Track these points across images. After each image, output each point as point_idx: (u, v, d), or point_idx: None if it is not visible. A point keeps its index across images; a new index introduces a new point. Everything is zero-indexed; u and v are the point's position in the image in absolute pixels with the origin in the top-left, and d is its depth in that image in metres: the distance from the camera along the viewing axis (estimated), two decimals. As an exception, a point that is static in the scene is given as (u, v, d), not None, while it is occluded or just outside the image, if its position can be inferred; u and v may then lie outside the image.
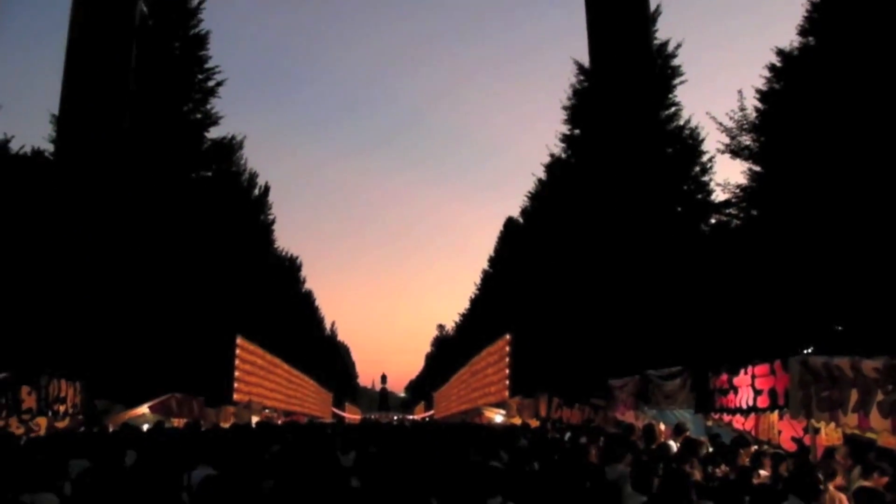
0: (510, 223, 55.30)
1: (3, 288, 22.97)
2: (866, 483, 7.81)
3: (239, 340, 34.20)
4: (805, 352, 13.70)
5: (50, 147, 27.37)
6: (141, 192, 26.67)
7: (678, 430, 13.05)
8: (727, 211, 25.54)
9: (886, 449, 9.16)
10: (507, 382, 35.15)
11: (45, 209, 23.08)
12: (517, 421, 24.31)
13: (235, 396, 32.57)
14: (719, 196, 26.97)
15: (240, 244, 36.42)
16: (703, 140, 29.83)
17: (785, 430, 11.17)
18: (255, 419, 29.30)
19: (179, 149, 31.10)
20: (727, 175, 54.25)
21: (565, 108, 35.25)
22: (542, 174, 39.55)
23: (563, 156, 36.25)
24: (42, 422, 15.08)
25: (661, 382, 14.57)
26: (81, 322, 21.47)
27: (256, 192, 45.91)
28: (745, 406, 10.80)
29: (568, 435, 15.37)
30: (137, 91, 25.59)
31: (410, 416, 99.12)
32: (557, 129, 36.29)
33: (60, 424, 15.67)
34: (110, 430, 14.58)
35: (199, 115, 33.83)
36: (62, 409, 16.09)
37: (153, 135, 28.53)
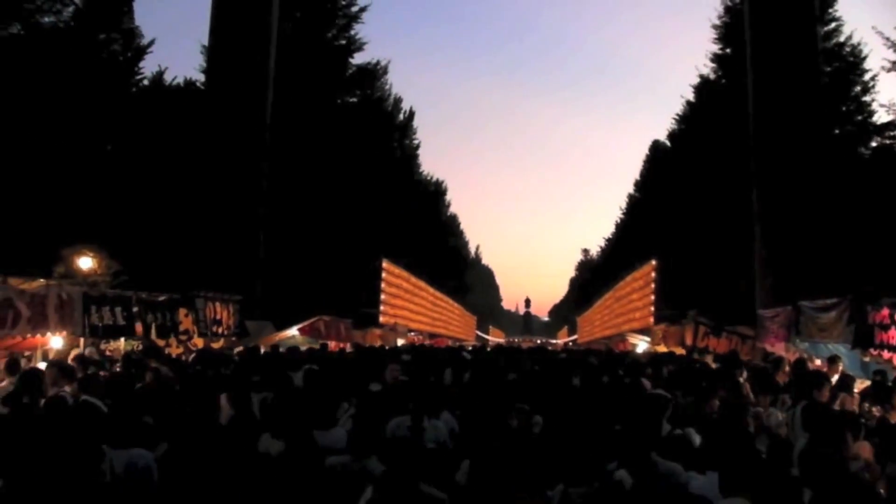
0: (656, 146, 54.14)
1: (161, 214, 23.93)
2: None
3: (385, 264, 34.67)
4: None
5: (201, 77, 28.10)
6: (288, 119, 27.14)
7: (832, 362, 12.54)
8: (891, 133, 24.30)
9: None
10: (652, 309, 34.64)
11: (199, 138, 23.76)
12: (662, 348, 23.96)
13: (382, 319, 33.14)
14: (882, 117, 25.68)
15: (385, 169, 36.83)
16: (865, 57, 28.38)
17: (950, 370, 10.62)
18: (400, 341, 29.85)
19: (325, 75, 31.51)
20: (892, 95, 51.53)
21: (715, 26, 34.07)
22: (690, 95, 38.50)
23: (713, 76, 35.17)
24: (199, 342, 15.74)
25: (815, 314, 14.04)
26: (236, 247, 22.14)
27: (401, 116, 46.21)
28: (908, 343, 10.31)
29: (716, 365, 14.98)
30: (282, 19, 25.88)
31: (553, 341, 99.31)
32: (708, 48, 35.22)
33: (216, 345, 16.28)
34: (261, 351, 15.02)
35: (343, 41, 34.14)
36: (218, 329, 16.75)
37: (299, 62, 28.90)
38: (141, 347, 13.42)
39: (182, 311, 15.11)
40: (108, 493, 5.03)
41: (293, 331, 20.45)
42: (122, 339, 13.72)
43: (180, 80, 29.85)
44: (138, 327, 13.49)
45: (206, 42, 26.35)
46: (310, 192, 28.77)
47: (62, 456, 4.88)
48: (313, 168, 29.03)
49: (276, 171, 25.30)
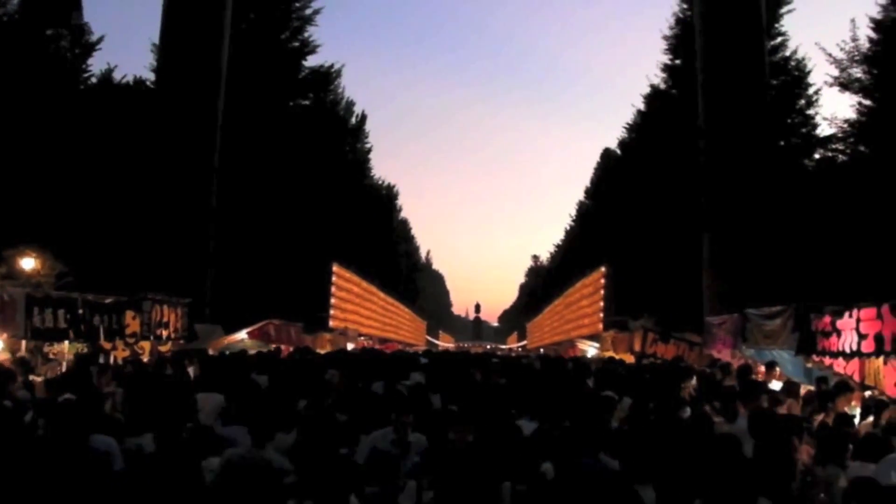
0: (607, 154, 54.62)
1: (109, 215, 23.65)
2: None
3: (335, 268, 34.60)
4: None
5: (152, 76, 27.83)
6: (240, 121, 26.98)
7: (770, 368, 12.83)
8: (833, 146, 24.82)
9: None
10: (602, 315, 34.95)
11: (148, 138, 23.52)
12: (610, 354, 24.19)
13: (332, 323, 33.05)
14: (825, 130, 26.21)
15: (336, 172, 36.74)
16: (809, 72, 28.95)
17: (888, 376, 10.83)
18: (350, 346, 29.78)
19: (277, 77, 31.38)
20: (834, 109, 52.69)
21: (666, 37, 34.52)
22: (641, 105, 38.94)
23: (664, 86, 35.59)
24: (146, 345, 15.58)
25: (760, 321, 14.30)
26: (185, 249, 21.95)
27: (353, 120, 46.13)
28: (848, 350, 10.52)
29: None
30: (235, 19, 25.74)
31: (503, 346, 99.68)
32: (658, 59, 35.65)
33: (163, 348, 16.13)
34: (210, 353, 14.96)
35: (296, 44, 34.03)
36: (165, 332, 16.59)
37: (252, 63, 28.76)
38: (86, 350, 13.27)
39: (129, 314, 14.92)
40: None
41: (242, 334, 20.31)
42: (66, 343, 13.50)
43: (130, 78, 29.53)
44: (83, 329, 13.29)
45: (157, 41, 26.10)
46: (261, 195, 28.62)
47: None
48: (264, 171, 28.89)
49: (226, 173, 25.13)
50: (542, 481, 5.58)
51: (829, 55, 22.43)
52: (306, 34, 34.21)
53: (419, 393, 8.93)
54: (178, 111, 22.82)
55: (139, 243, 22.38)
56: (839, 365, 11.38)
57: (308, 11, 33.99)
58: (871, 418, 9.04)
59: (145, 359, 14.80)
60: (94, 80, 28.28)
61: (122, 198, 24.30)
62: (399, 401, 7.68)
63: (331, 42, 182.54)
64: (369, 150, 50.87)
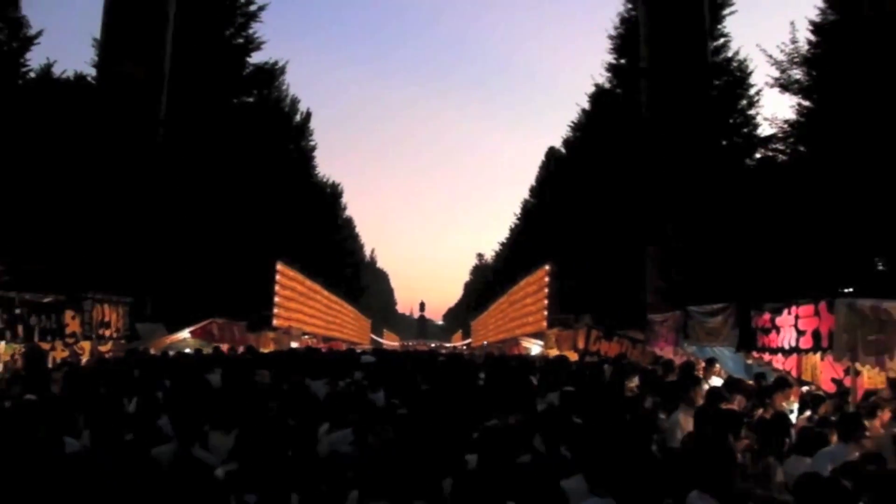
0: (552, 153, 54.89)
1: (48, 212, 23.21)
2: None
3: (279, 266, 34.40)
4: (843, 290, 13.53)
5: (93, 72, 27.36)
6: (183, 117, 26.67)
7: (709, 364, 13.03)
8: (774, 146, 25.19)
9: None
10: (546, 313, 35.17)
11: (89, 134, 23.14)
12: (554, 352, 24.35)
13: (276, 322, 32.88)
14: (766, 130, 26.61)
15: (281, 170, 36.48)
16: (751, 73, 29.37)
17: (825, 371, 11.06)
18: (294, 345, 29.65)
19: (221, 74, 31.05)
20: (775, 109, 53.56)
21: (612, 37, 34.76)
22: (585, 104, 39.17)
23: (608, 86, 35.85)
24: (86, 346, 15.32)
25: (702, 319, 14.48)
26: (125, 247, 21.64)
27: (298, 118, 45.84)
28: (787, 346, 10.71)
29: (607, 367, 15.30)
30: (178, 14, 25.42)
31: (448, 344, 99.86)
32: (603, 58, 35.88)
33: (104, 348, 15.89)
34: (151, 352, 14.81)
35: (241, 40, 33.70)
36: (106, 332, 16.34)
37: (195, 59, 28.43)
38: (24, 350, 12.99)
39: (69, 313, 14.66)
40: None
41: (185, 333, 20.13)
42: (3, 343, 13.19)
43: (70, 73, 28.99)
44: (20, 331, 13.00)
45: (97, 35, 25.67)
46: (204, 192, 28.29)
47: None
48: (208, 168, 28.55)
49: (169, 170, 24.82)
50: (465, 472, 5.63)
51: (770, 57, 22.78)
52: (251, 30, 33.88)
53: (360, 392, 8.91)
54: (119, 107, 22.48)
55: (79, 241, 22.00)
56: (778, 361, 11.58)
57: (253, 8, 33.64)
58: (808, 413, 9.22)
59: (85, 359, 14.56)
60: (32, 74, 27.73)
61: (62, 194, 23.86)
62: (341, 401, 7.67)
63: (276, 39, 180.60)
64: (314, 148, 50.60)
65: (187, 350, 18.13)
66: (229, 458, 5.88)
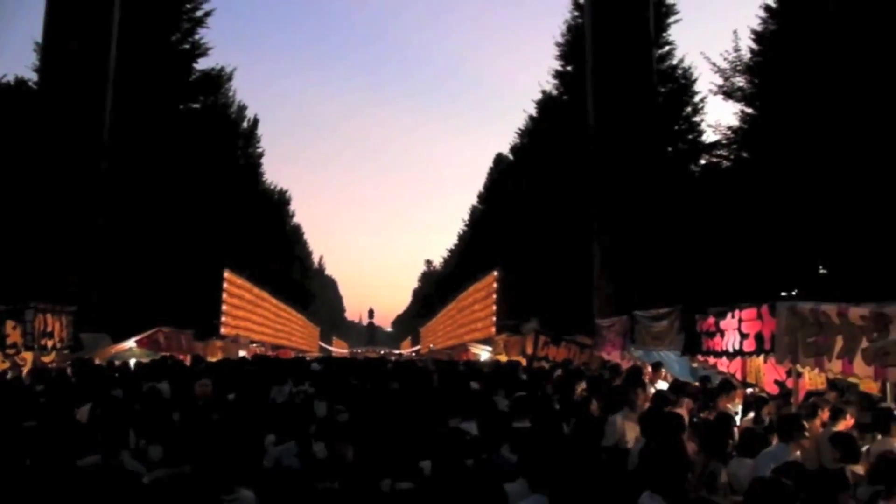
0: (500, 159, 55.14)
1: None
2: (837, 427, 7.92)
3: (226, 274, 34.15)
4: (784, 294, 13.77)
5: (34, 76, 26.97)
6: (129, 124, 26.36)
7: (656, 368, 13.19)
8: (718, 152, 25.57)
9: (867, 394, 9.28)
10: (494, 319, 35.29)
11: (31, 140, 22.78)
12: (503, 358, 24.41)
13: (223, 330, 32.62)
14: (710, 137, 27.01)
15: (228, 177, 36.21)
16: (695, 80, 29.82)
17: (768, 373, 11.23)
18: (242, 353, 29.40)
19: (167, 79, 30.76)
20: (718, 116, 54.36)
21: (558, 44, 35.05)
22: (533, 111, 39.41)
23: (555, 92, 36.11)
24: (28, 356, 14.97)
25: (648, 323, 14.62)
26: (69, 255, 21.32)
27: (245, 124, 45.63)
28: (731, 350, 10.85)
29: (558, 372, 15.39)
30: (123, 19, 25.12)
31: (397, 351, 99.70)
32: (550, 65, 36.15)
33: (47, 359, 15.59)
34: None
35: (187, 46, 33.43)
36: (49, 343, 16.02)
37: (140, 65, 28.11)
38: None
39: (10, 324, 14.35)
40: None
41: (131, 343, 19.85)
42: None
43: (11, 78, 28.56)
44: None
45: (39, 39, 25.29)
46: (150, 199, 28.00)
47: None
48: (154, 175, 28.27)
49: (114, 176, 24.50)
50: (420, 478, 5.79)
51: (714, 65, 23.16)
52: (197, 36, 33.65)
53: (307, 402, 8.92)
54: (63, 113, 22.13)
55: (23, 250, 21.64)
56: (723, 364, 11.73)
57: (199, 13, 33.44)
58: (752, 414, 9.36)
59: (26, 370, 14.27)
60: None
61: (4, 202, 23.50)
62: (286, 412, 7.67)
63: (223, 45, 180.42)
64: (261, 155, 50.35)
65: (133, 359, 17.91)
66: (159, 464, 5.89)
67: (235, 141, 42.11)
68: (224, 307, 33.58)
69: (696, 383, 11.51)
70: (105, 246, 23.67)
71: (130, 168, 26.69)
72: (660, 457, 5.14)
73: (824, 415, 8.38)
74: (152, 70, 29.38)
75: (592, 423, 7.55)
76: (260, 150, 49.57)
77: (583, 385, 11.92)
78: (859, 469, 6.53)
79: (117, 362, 15.53)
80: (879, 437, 7.46)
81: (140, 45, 28.39)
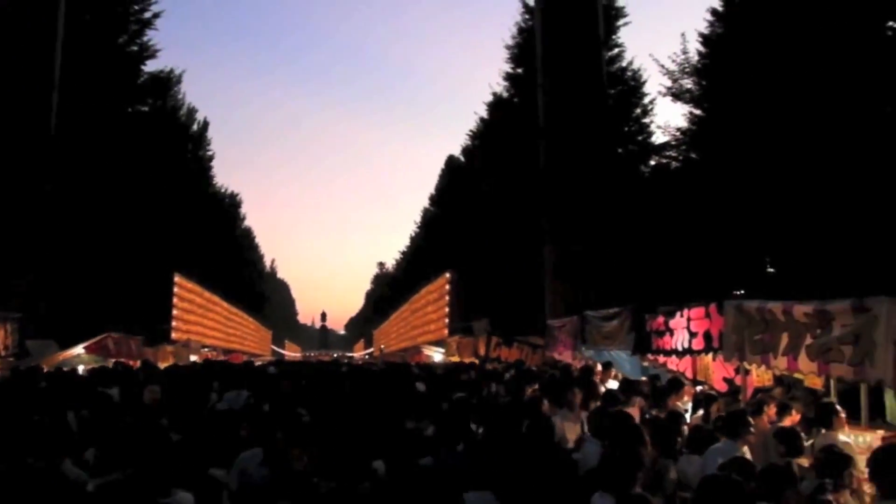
0: (451, 161, 55.21)
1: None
2: (784, 423, 8.05)
3: (177, 278, 33.84)
4: (733, 293, 13.93)
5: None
6: (76, 127, 26.01)
7: (606, 368, 13.30)
8: (667, 153, 25.80)
9: (811, 390, 9.44)
10: (447, 321, 35.36)
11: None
12: (456, 359, 24.50)
13: (174, 335, 32.32)
14: (660, 138, 27.25)
15: (177, 180, 35.87)
16: (645, 82, 30.06)
17: (717, 371, 11.35)
18: (193, 358, 29.16)
19: (115, 82, 30.37)
20: (668, 118, 54.91)
21: (509, 46, 35.14)
22: (484, 113, 39.52)
23: (506, 94, 36.21)
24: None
25: (599, 323, 14.70)
26: (14, 260, 20.99)
27: (195, 127, 45.32)
28: (680, 348, 10.96)
29: (510, 374, 15.44)
30: (68, 21, 24.76)
31: (350, 354, 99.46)
32: (501, 67, 36.25)
33: (-8, 366, 15.35)
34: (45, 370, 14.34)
35: (135, 48, 33.03)
36: (-7, 349, 15.77)
37: (86, 67, 27.73)
38: None
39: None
40: None
41: (79, 349, 19.61)
42: None
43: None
44: None
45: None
46: (98, 202, 27.63)
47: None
48: (102, 178, 27.89)
49: (61, 180, 24.16)
50: (374, 476, 5.88)
51: (663, 67, 23.30)
52: (145, 38, 33.25)
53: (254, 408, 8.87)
54: (8, 115, 21.81)
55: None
56: (673, 363, 11.85)
57: (147, 15, 33.03)
58: (701, 412, 9.47)
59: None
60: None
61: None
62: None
63: (173, 47, 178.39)
64: (212, 158, 50.05)
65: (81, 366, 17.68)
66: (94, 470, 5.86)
67: (185, 144, 41.80)
68: (174, 312, 33.28)
69: (645, 378, 11.63)
70: (52, 251, 23.33)
71: (78, 171, 26.31)
72: (612, 457, 5.21)
73: (771, 411, 8.51)
74: (99, 72, 28.98)
75: (543, 423, 7.58)
76: (210, 153, 49.32)
77: (535, 385, 11.98)
78: (804, 462, 6.65)
79: (66, 369, 15.26)
80: (823, 431, 7.57)
81: (86, 46, 28.01)
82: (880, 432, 7.53)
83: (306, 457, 5.94)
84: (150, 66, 34.29)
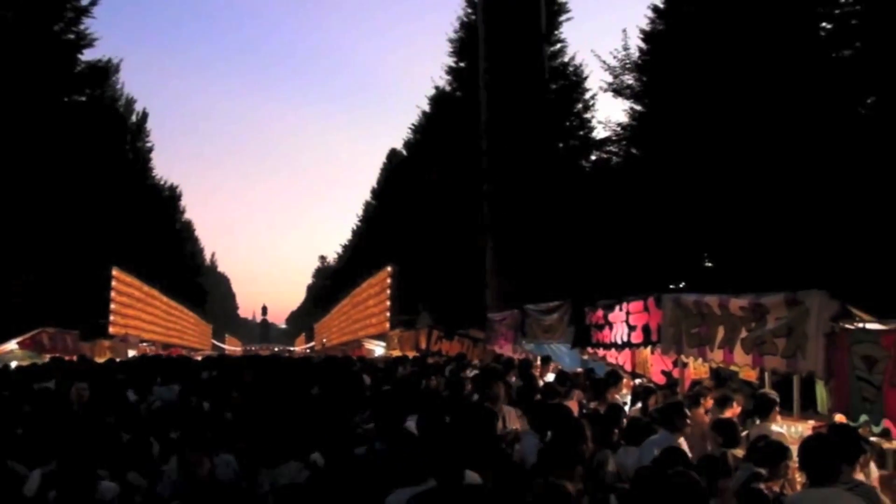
0: (393, 154, 55.16)
1: None
2: (724, 415, 8.19)
3: (115, 272, 33.36)
4: (672, 287, 14.12)
5: None
6: (7, 117, 25.49)
7: (545, 362, 13.41)
8: (608, 148, 25.99)
9: (747, 381, 9.62)
10: (388, 314, 35.35)
11: None
12: (397, 353, 24.49)
13: (111, 330, 31.88)
14: (601, 133, 27.43)
15: (115, 172, 35.34)
16: (586, 77, 30.24)
17: (655, 364, 11.49)
18: (132, 353, 28.80)
19: (50, 71, 29.77)
20: (609, 113, 55.34)
21: (451, 40, 35.15)
22: (426, 106, 39.48)
23: (449, 88, 36.21)
24: None
25: (539, 317, 14.78)
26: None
27: (134, 118, 44.74)
28: (619, 342, 11.07)
29: (450, 368, 15.49)
30: (2, 6, 24.25)
31: (291, 348, 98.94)
32: (444, 61, 36.21)
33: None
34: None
35: (71, 36, 32.38)
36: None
37: (20, 56, 27.15)
38: None
39: None
40: None
41: (12, 344, 19.28)
42: None
43: None
44: None
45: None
46: (31, 194, 27.09)
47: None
48: (35, 169, 27.35)
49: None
50: (314, 468, 5.99)
51: (604, 62, 23.45)
52: (82, 26, 32.58)
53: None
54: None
55: None
56: (612, 356, 11.96)
57: (84, 2, 32.39)
58: (639, 404, 9.60)
59: None
60: None
61: None
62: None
63: (110, 36, 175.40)
64: (151, 150, 49.43)
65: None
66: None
67: (123, 135, 41.24)
68: (112, 306, 32.83)
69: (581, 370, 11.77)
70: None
71: (10, 162, 25.79)
72: (551, 451, 5.29)
73: (707, 403, 8.65)
74: (33, 61, 28.38)
75: (483, 414, 7.61)
76: (149, 144, 48.75)
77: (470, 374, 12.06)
78: (740, 453, 6.77)
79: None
80: (758, 421, 7.72)
81: (19, 35, 27.43)
82: (811, 422, 7.70)
83: (209, 462, 5.85)
84: (88, 55, 33.65)
